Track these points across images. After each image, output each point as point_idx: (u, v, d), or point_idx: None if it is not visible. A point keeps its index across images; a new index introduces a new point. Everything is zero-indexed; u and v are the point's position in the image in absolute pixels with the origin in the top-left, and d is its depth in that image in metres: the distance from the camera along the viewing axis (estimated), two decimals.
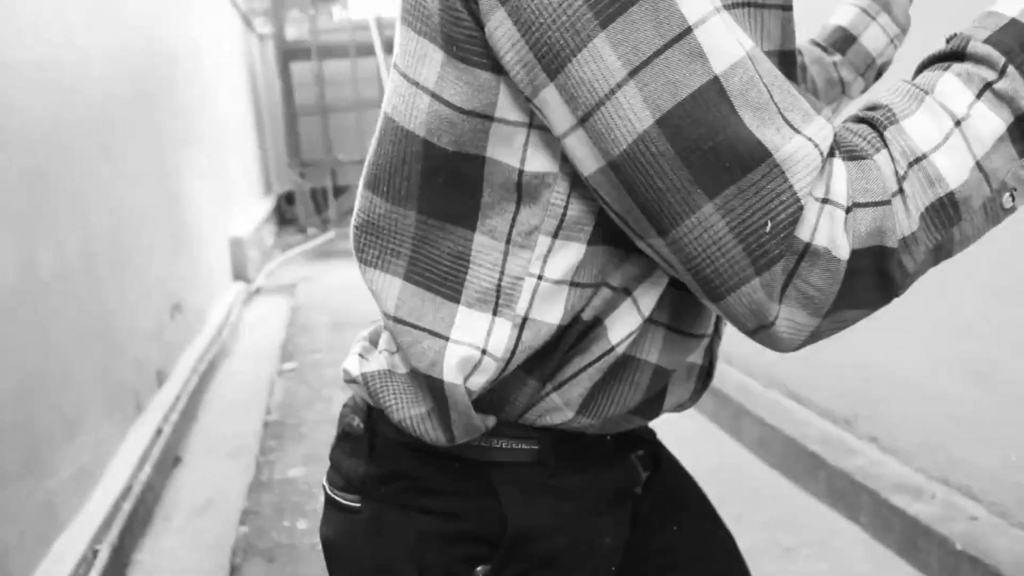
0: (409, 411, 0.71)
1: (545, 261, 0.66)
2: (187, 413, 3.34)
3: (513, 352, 0.67)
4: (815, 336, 0.60)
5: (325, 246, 8.05)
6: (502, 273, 0.67)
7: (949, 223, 0.57)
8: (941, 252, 0.59)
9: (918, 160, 0.56)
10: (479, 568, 0.72)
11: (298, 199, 9.18)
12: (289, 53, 9.30)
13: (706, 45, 0.53)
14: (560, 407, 0.71)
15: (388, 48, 9.28)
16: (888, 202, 0.56)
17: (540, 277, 0.66)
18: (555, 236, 0.65)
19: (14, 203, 2.15)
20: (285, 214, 9.85)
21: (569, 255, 0.66)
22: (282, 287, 5.91)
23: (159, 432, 2.95)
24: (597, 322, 0.68)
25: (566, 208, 0.64)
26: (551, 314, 0.67)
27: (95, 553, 2.17)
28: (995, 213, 0.59)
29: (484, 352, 0.67)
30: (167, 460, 2.93)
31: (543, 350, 0.68)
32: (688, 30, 0.53)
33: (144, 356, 3.20)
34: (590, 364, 0.69)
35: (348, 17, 9.83)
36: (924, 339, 2.13)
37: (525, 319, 0.67)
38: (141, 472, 2.65)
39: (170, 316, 3.74)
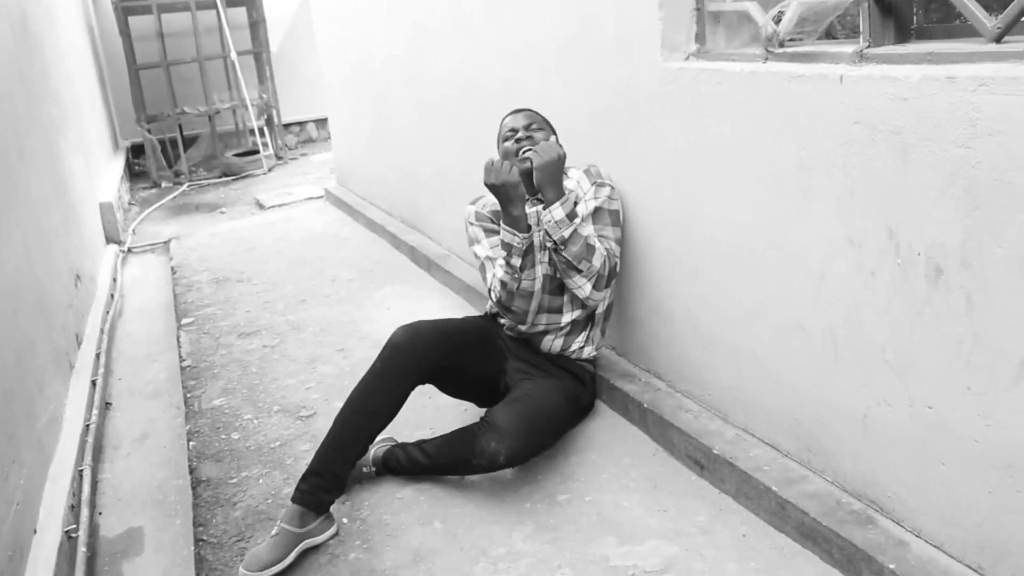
0: None
1: None
2: (107, 367, 4.08)
3: None
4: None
5: (181, 199, 8.50)
6: None
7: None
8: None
9: None
10: None
11: (148, 152, 9.50)
12: (128, 9, 9.47)
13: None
14: None
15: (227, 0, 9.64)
16: None
17: None
18: None
19: None
20: (134, 167, 10.14)
21: None
22: (151, 246, 6.49)
23: (94, 384, 3.70)
24: None
25: None
26: None
27: (80, 473, 2.96)
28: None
29: None
30: (102, 406, 3.68)
31: None
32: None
33: (66, 323, 3.88)
34: None
35: None
36: None
37: None
38: (91, 415, 3.42)
39: (75, 286, 4.40)
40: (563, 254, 2.61)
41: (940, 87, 1.73)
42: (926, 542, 2.00)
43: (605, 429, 2.90)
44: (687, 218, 2.60)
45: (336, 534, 2.47)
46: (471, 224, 2.93)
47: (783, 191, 2.20)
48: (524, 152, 2.70)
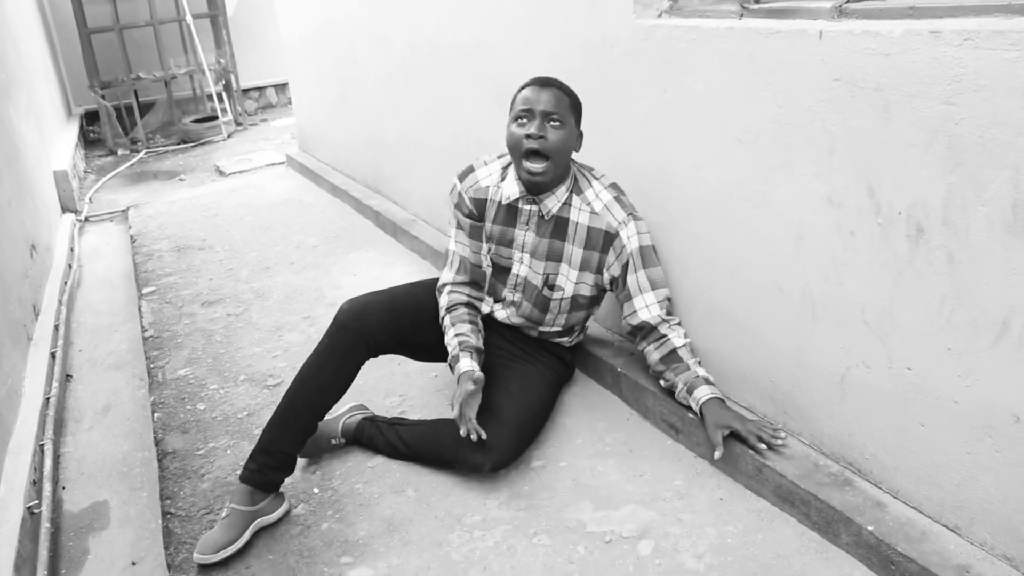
0: None
1: None
2: (66, 339, 3.97)
3: None
4: None
5: (138, 166, 8.30)
6: None
7: None
8: None
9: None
10: None
11: (103, 119, 9.27)
12: None
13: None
14: None
15: None
16: None
17: None
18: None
19: None
20: (88, 135, 9.89)
21: None
22: (109, 214, 6.33)
23: (53, 356, 3.60)
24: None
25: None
26: None
27: (41, 447, 2.88)
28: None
29: None
30: (62, 378, 3.58)
31: None
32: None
33: (23, 294, 3.77)
34: None
35: None
36: None
37: None
38: (50, 388, 3.33)
39: (31, 256, 4.27)
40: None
41: (923, 42, 1.69)
42: (904, 503, 2.00)
43: (578, 394, 2.88)
44: (661, 178, 2.56)
45: (288, 512, 2.41)
46: (452, 204, 2.68)
47: (760, 149, 2.16)
48: (532, 159, 2.38)
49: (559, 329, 2.72)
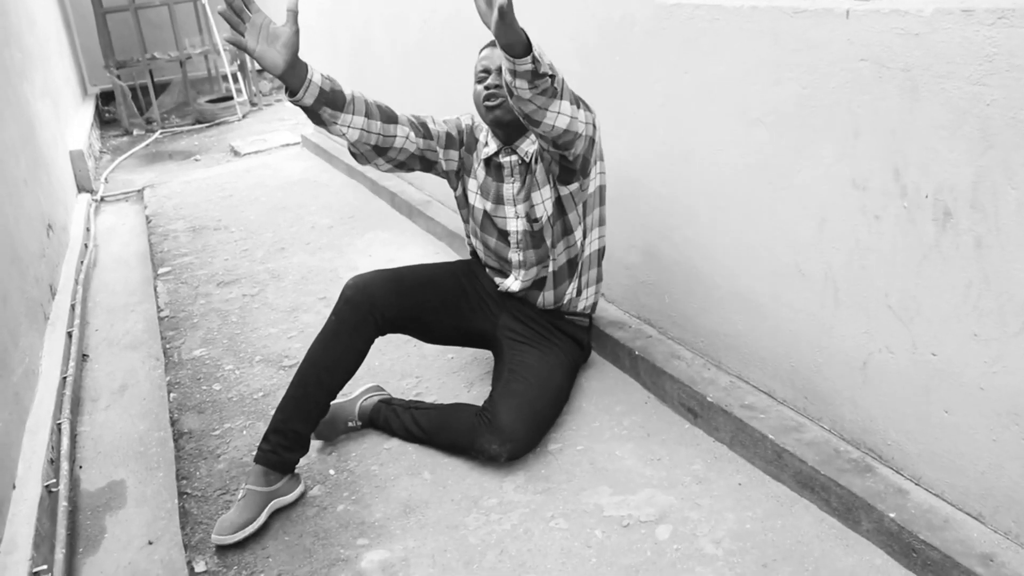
0: None
1: None
2: (83, 318, 3.98)
3: None
4: None
5: (153, 146, 8.30)
6: None
7: None
8: None
9: None
10: None
11: (118, 99, 9.28)
12: None
13: None
14: None
15: None
16: None
17: None
18: None
19: None
20: (104, 115, 9.90)
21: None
22: (124, 194, 6.33)
23: (70, 335, 3.61)
24: None
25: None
26: None
27: (59, 426, 2.89)
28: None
29: None
30: (78, 357, 3.59)
31: None
32: None
33: (39, 273, 3.78)
34: None
35: None
36: None
37: None
38: (67, 368, 3.34)
39: (47, 235, 4.28)
40: (540, 70, 2.06)
41: (954, 21, 1.66)
42: (926, 490, 1.97)
43: (596, 377, 2.86)
44: (681, 160, 2.53)
45: (304, 493, 2.41)
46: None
47: (783, 131, 2.13)
48: (490, 103, 2.44)
49: (563, 262, 2.62)
